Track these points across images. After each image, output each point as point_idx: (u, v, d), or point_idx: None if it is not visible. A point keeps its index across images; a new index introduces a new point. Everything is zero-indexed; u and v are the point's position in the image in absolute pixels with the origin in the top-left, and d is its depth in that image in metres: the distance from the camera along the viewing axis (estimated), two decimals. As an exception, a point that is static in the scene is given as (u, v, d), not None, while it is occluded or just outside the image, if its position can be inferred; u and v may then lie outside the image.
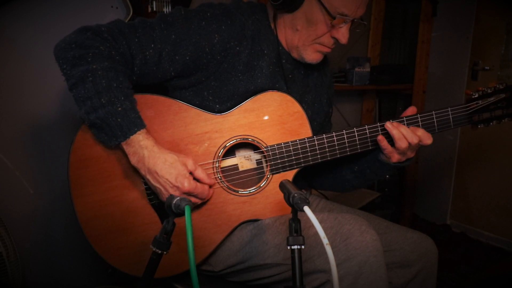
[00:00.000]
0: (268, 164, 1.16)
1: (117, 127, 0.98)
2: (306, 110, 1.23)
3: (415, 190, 2.89)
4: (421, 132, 1.13)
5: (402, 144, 1.12)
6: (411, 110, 1.19)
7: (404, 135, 1.12)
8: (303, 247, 0.76)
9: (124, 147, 1.02)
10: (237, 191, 1.14)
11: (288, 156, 1.16)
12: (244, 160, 1.20)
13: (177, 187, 1.01)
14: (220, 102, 1.15)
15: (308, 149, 1.16)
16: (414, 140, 1.12)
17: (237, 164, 1.19)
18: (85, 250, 1.09)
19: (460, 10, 2.81)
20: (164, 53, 1.07)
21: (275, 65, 1.19)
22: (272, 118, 1.16)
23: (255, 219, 1.16)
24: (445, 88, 2.85)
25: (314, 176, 1.40)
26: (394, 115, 3.07)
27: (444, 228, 2.96)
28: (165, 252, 0.83)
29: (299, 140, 1.16)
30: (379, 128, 1.16)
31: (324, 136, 1.16)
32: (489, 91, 1.18)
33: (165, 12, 1.20)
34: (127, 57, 1.04)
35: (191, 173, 1.04)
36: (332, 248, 0.72)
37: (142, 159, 1.01)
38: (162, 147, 1.04)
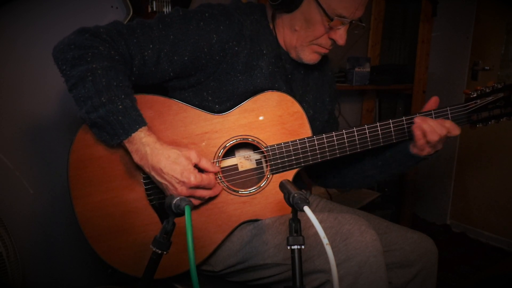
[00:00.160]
0: (268, 164, 1.16)
1: (119, 125, 0.98)
2: (307, 109, 1.23)
3: (415, 190, 2.89)
4: (449, 123, 1.14)
5: (433, 137, 1.12)
6: (434, 100, 1.20)
7: (434, 127, 1.12)
8: (303, 247, 0.76)
9: (127, 145, 1.02)
10: (237, 191, 1.14)
11: (288, 156, 1.16)
12: (244, 160, 1.20)
13: (184, 182, 1.00)
14: (220, 102, 1.15)
15: (308, 149, 1.16)
16: (443, 132, 1.12)
17: (236, 164, 1.19)
18: (85, 250, 1.09)
19: (460, 10, 2.81)
20: (163, 53, 1.07)
21: (275, 65, 1.19)
22: (272, 118, 1.16)
23: (255, 219, 1.16)
24: (445, 88, 2.85)
25: (328, 176, 1.41)
26: (394, 115, 3.07)
27: (444, 228, 2.96)
28: (165, 252, 0.83)
29: (299, 140, 1.16)
30: (405, 122, 1.17)
31: (324, 136, 1.16)
32: (487, 90, 1.19)
33: (164, 13, 1.21)
34: (126, 57, 1.04)
35: (196, 165, 1.04)
36: (332, 248, 0.72)
37: (145, 156, 1.00)
38: (164, 143, 1.03)
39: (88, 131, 1.05)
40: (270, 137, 1.16)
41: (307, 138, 1.16)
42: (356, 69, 2.49)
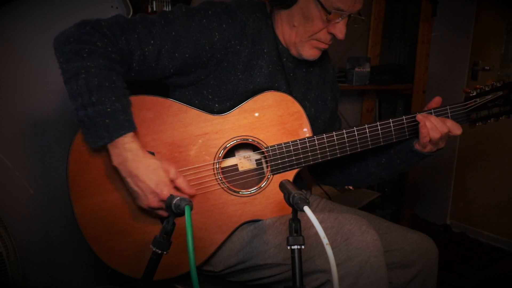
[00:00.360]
0: (268, 164, 1.16)
1: (104, 128, 0.97)
2: (309, 108, 1.23)
3: (415, 190, 2.89)
4: (450, 123, 1.15)
5: (435, 134, 1.13)
6: (437, 101, 1.20)
7: (436, 125, 1.13)
8: (303, 247, 0.76)
9: (109, 147, 1.01)
10: (238, 192, 1.14)
11: (288, 156, 1.16)
12: (244, 160, 1.19)
13: (156, 194, 1.00)
14: (220, 101, 1.15)
15: (309, 149, 1.16)
16: (444, 130, 1.13)
17: (236, 165, 1.19)
18: (85, 250, 1.09)
19: (460, 10, 2.81)
20: (164, 49, 1.07)
21: (276, 63, 1.19)
22: (272, 118, 1.15)
23: (256, 220, 1.16)
24: (445, 88, 2.85)
25: (331, 174, 1.41)
26: (394, 115, 3.07)
27: (444, 228, 2.96)
28: (165, 252, 0.83)
29: (299, 140, 1.16)
30: (405, 122, 1.17)
31: (325, 135, 1.16)
32: (486, 89, 1.19)
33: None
34: (124, 53, 1.04)
35: (172, 181, 1.03)
36: (333, 248, 0.72)
37: (125, 162, 0.99)
38: (146, 151, 1.03)
39: (88, 132, 1.05)
40: (270, 137, 1.15)
41: (308, 138, 1.16)
42: (356, 69, 2.49)
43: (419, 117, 1.15)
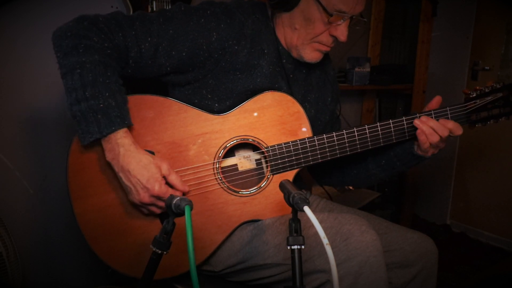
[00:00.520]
0: (268, 164, 1.16)
1: (96, 123, 0.98)
2: (309, 109, 1.23)
3: (415, 190, 2.89)
4: (451, 124, 1.15)
5: (434, 138, 1.13)
6: (437, 101, 1.20)
7: (435, 129, 1.13)
8: (303, 247, 0.76)
9: (103, 142, 1.01)
10: (238, 192, 1.14)
11: (288, 156, 1.16)
12: (244, 160, 1.20)
13: (147, 189, 1.00)
14: (219, 100, 1.15)
15: (309, 149, 1.16)
16: (445, 133, 1.14)
17: (236, 164, 1.19)
18: (85, 250, 1.09)
19: (460, 10, 2.81)
20: (161, 47, 1.07)
21: (276, 64, 1.19)
22: (272, 118, 1.15)
23: (256, 220, 1.16)
24: (445, 88, 2.85)
25: (331, 174, 1.41)
26: (394, 115, 3.07)
27: (444, 228, 2.96)
28: (165, 252, 0.83)
29: (300, 140, 1.16)
30: (405, 122, 1.17)
31: (325, 136, 1.16)
32: (486, 90, 1.19)
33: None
34: (121, 49, 1.04)
35: (165, 177, 1.03)
36: (332, 248, 0.72)
37: (117, 157, 1.00)
38: (139, 147, 1.03)
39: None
40: (270, 137, 1.15)
41: (308, 138, 1.16)
42: (356, 69, 2.49)
43: (417, 122, 1.15)
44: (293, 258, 0.76)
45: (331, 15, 1.08)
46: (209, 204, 1.12)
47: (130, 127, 1.03)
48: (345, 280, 0.99)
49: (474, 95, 1.20)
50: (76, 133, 1.02)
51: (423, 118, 1.16)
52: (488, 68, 2.69)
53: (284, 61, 1.21)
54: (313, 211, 0.73)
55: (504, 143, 2.64)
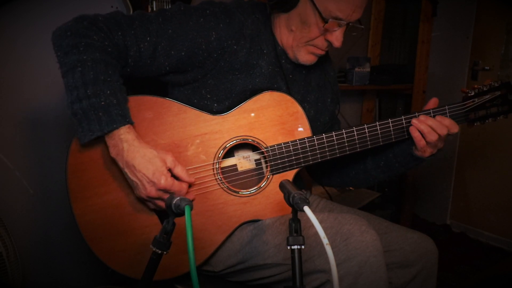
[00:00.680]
0: (268, 164, 1.16)
1: (97, 121, 0.97)
2: (308, 110, 1.23)
3: (415, 190, 2.89)
4: (448, 121, 1.15)
5: (432, 137, 1.13)
6: (433, 102, 1.20)
7: (433, 128, 1.13)
8: (303, 247, 0.76)
9: (106, 139, 1.01)
10: (237, 192, 1.14)
11: (288, 156, 1.16)
12: (243, 160, 1.20)
13: (154, 183, 0.99)
14: (218, 100, 1.15)
15: (308, 149, 1.16)
16: (443, 131, 1.14)
17: (236, 165, 1.19)
18: (85, 250, 1.09)
19: (460, 10, 2.81)
20: (160, 47, 1.07)
21: (275, 65, 1.19)
22: (272, 118, 1.15)
23: (256, 220, 1.16)
24: (445, 88, 2.85)
25: (330, 175, 1.41)
26: (394, 115, 3.07)
27: (444, 228, 2.96)
28: (165, 252, 0.83)
29: (299, 140, 1.16)
30: (404, 121, 1.18)
31: (324, 136, 1.16)
32: (484, 88, 1.20)
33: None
34: (120, 48, 1.04)
35: (170, 170, 1.03)
36: (332, 248, 0.72)
37: (121, 152, 0.99)
38: (143, 142, 1.03)
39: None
40: (270, 137, 1.15)
41: (307, 138, 1.16)
42: (356, 69, 2.49)
43: (414, 121, 1.15)
44: (293, 258, 0.76)
45: (326, 22, 1.07)
46: (209, 205, 1.12)
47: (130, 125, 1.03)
48: (345, 280, 0.99)
49: (472, 93, 1.20)
50: (76, 131, 1.01)
51: (422, 117, 1.16)
52: (488, 68, 2.69)
53: (283, 61, 1.21)
54: (313, 211, 0.73)
55: (504, 143, 2.64)
